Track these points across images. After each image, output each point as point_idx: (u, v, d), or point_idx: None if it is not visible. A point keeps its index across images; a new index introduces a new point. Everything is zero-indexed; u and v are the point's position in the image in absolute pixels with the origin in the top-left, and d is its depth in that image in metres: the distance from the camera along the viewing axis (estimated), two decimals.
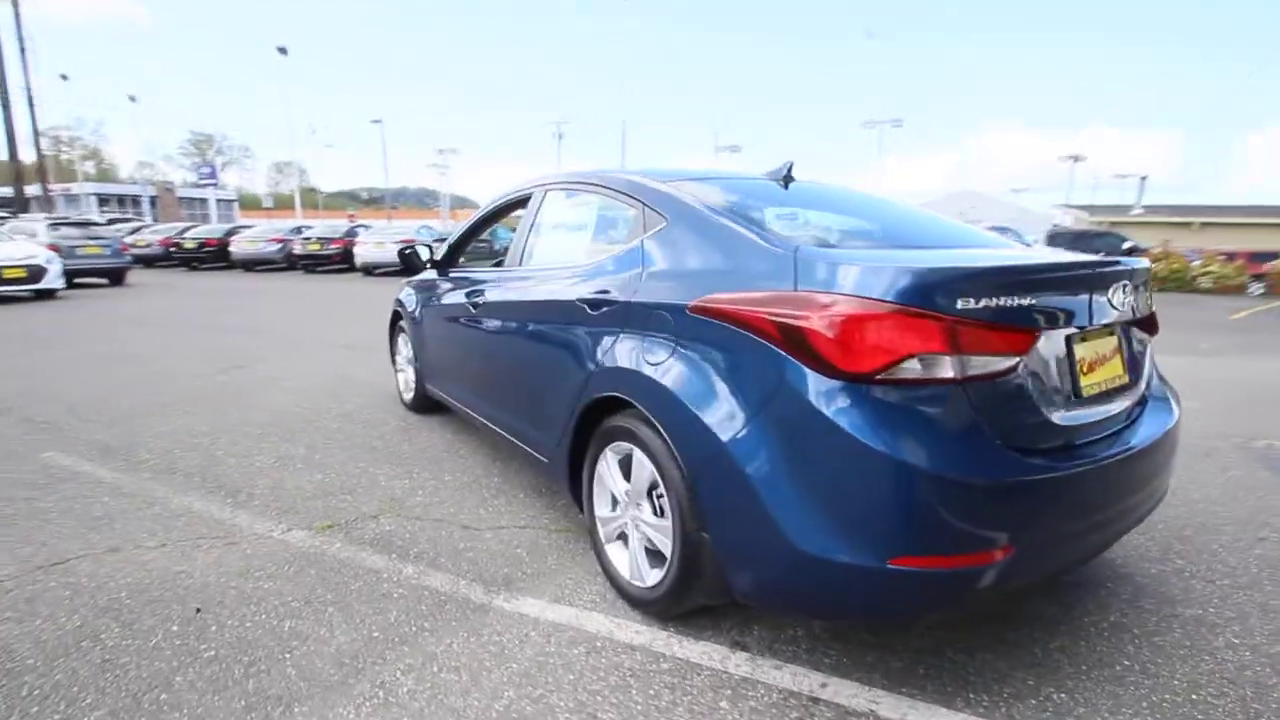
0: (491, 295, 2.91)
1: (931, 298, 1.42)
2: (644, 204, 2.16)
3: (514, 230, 2.99)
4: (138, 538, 2.53)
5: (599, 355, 2.10)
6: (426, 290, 3.86)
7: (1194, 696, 1.69)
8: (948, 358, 1.42)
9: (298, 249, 18.76)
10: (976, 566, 1.43)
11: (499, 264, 4.26)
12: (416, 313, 3.97)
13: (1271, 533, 2.63)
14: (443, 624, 2.00)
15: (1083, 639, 1.94)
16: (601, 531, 2.22)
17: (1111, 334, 1.78)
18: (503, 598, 2.15)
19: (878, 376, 1.42)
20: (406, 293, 4.22)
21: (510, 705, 1.65)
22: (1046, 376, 1.58)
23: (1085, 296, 1.65)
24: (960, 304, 1.43)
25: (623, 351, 1.99)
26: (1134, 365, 1.87)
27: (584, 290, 2.23)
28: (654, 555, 2.00)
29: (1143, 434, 1.78)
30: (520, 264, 2.85)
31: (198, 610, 2.05)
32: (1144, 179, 31.51)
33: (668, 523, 1.86)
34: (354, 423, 4.06)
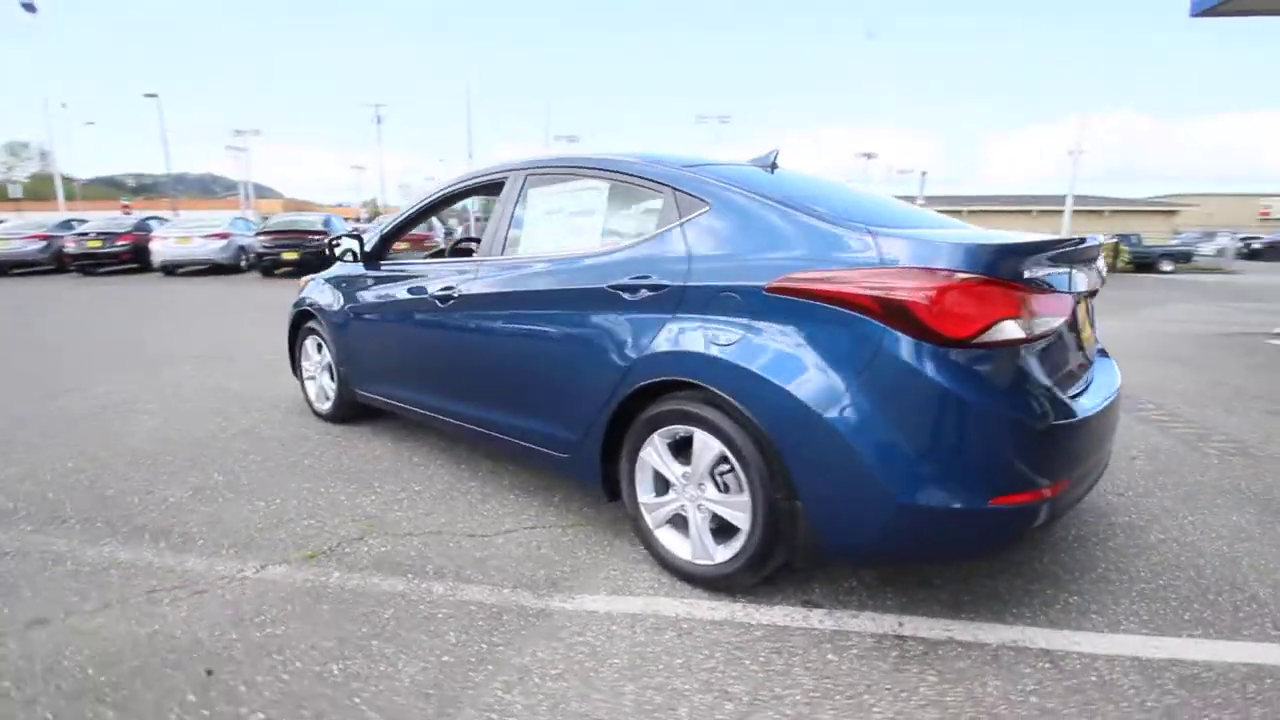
0: (470, 288, 2.72)
1: (1007, 270, 1.62)
2: (674, 189, 2.16)
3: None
4: (67, 602, 2.03)
5: (644, 341, 2.08)
6: (355, 286, 3.48)
7: (1160, 581, 2.12)
8: (1022, 321, 1.63)
9: (71, 247, 15.59)
10: (1046, 499, 1.68)
11: (440, 254, 3.98)
12: (340, 312, 3.55)
13: (1138, 453, 3.32)
14: (513, 635, 1.88)
15: (1063, 552, 2.33)
16: (649, 518, 2.21)
17: (1086, 299, 2.15)
18: (558, 599, 2.07)
19: (973, 341, 1.59)
20: (319, 290, 3.76)
21: (639, 698, 1.61)
22: (1069, 334, 1.87)
23: (1083, 266, 1.97)
24: (1026, 274, 1.66)
25: (679, 336, 1.99)
26: (1094, 324, 2.27)
27: (615, 277, 2.18)
28: (718, 532, 2.05)
29: (1109, 383, 2.17)
30: (502, 253, 2.69)
31: (209, 672, 1.72)
32: (924, 174, 36.84)
33: (743, 497, 1.91)
34: (264, 441, 3.55)
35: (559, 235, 2.59)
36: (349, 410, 3.77)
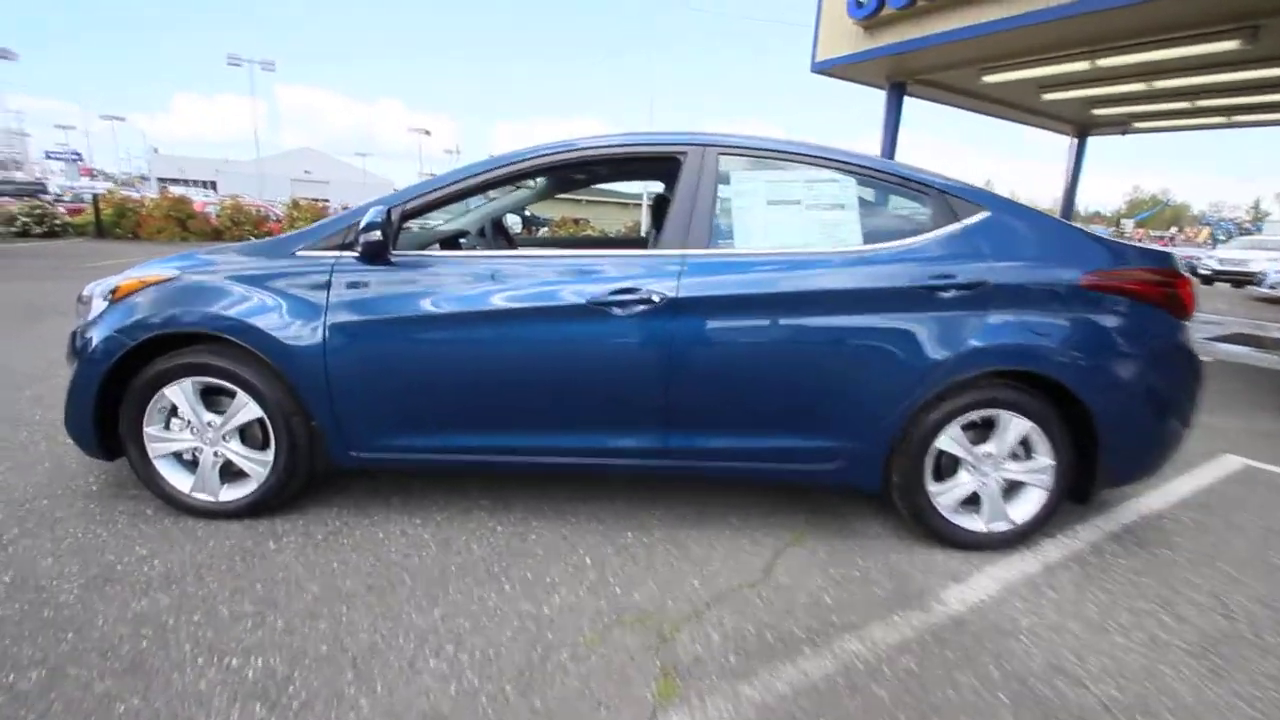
0: (688, 290, 2.15)
1: None
2: (941, 191, 2.29)
3: None
4: None
5: (959, 338, 2.16)
6: (360, 291, 2.22)
7: None
8: None
9: None
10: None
11: (450, 243, 2.89)
12: (331, 335, 2.19)
13: None
14: (986, 635, 1.86)
15: None
16: (938, 502, 2.34)
17: None
18: (953, 593, 2.11)
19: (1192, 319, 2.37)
20: (241, 303, 2.22)
21: (1122, 620, 1.91)
22: None
23: None
24: None
25: (1000, 329, 2.17)
26: None
27: (916, 277, 2.18)
28: (1007, 494, 2.37)
29: None
30: (708, 245, 2.24)
31: None
32: (458, 152, 39.10)
33: (1045, 461, 2.29)
34: (214, 579, 2.00)
35: (797, 229, 2.31)
36: (296, 490, 2.40)
